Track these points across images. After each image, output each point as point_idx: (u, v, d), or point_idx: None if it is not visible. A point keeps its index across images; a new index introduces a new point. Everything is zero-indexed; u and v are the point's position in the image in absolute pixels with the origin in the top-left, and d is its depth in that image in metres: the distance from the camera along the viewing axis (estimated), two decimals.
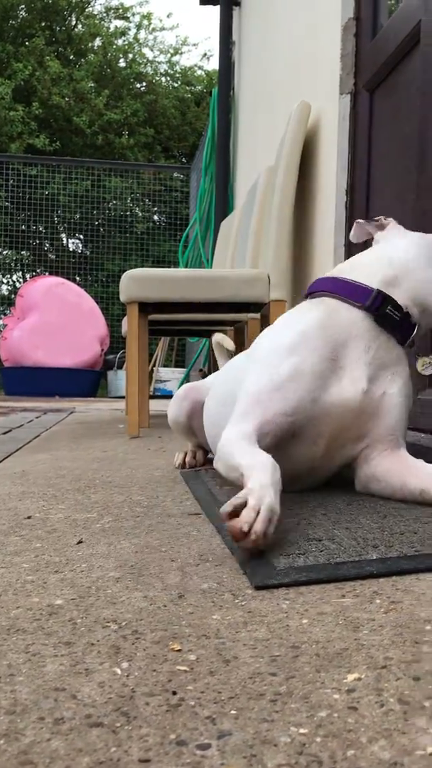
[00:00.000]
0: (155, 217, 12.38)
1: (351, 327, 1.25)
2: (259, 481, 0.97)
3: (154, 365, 7.88)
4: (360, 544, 0.94)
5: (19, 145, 12.06)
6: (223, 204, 5.03)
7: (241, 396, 1.25)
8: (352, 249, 2.47)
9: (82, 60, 13.95)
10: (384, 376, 1.25)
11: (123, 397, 7.48)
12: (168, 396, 6.87)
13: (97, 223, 12.04)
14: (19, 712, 0.54)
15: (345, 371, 1.23)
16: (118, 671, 0.61)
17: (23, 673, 0.61)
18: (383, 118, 2.28)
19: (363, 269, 1.32)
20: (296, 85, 3.24)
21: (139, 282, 2.63)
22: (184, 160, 14.40)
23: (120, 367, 8.19)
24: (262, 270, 2.74)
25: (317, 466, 1.30)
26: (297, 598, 0.78)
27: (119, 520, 1.22)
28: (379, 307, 1.25)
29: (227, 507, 0.91)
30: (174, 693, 0.57)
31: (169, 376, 7.82)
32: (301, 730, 0.50)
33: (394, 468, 1.24)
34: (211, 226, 5.32)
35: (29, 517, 1.27)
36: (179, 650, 0.65)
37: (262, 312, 2.92)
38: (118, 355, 8.36)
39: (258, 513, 0.90)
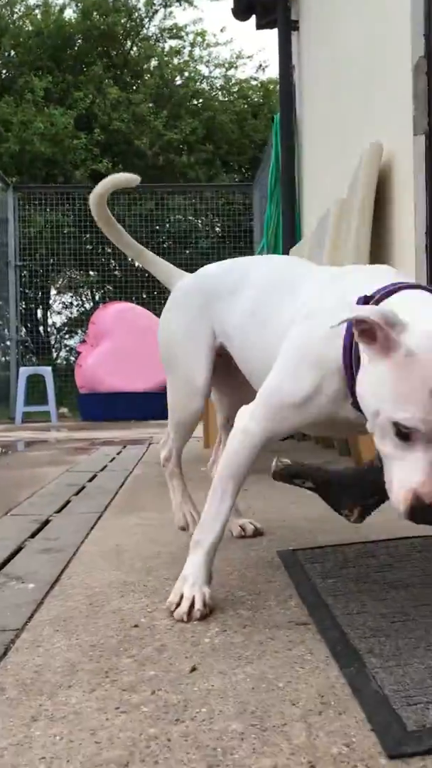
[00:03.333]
0: (217, 229, 12.46)
1: None
2: (193, 564, 1.35)
3: None
4: None
5: (83, 171, 12.33)
6: (291, 231, 5.00)
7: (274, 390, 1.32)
8: None
9: (139, 82, 14.17)
10: None
11: None
12: None
13: (161, 239, 12.20)
14: None
15: None
16: None
17: None
18: None
19: None
20: (366, 119, 3.19)
21: None
22: (244, 171, 14.43)
23: None
24: None
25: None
26: None
27: (228, 632, 1.20)
28: None
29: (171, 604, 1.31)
30: None
31: None
32: None
33: None
34: (279, 252, 5.30)
35: (136, 626, 1.27)
36: None
37: None
38: None
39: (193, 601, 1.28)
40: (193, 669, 1.07)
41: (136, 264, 13.54)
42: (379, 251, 2.95)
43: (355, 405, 1.19)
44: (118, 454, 4.48)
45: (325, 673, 1.01)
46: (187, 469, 2.43)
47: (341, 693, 0.95)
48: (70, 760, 0.82)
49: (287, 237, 4.99)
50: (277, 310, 1.42)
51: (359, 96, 3.35)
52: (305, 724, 0.87)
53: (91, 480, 3.25)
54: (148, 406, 8.11)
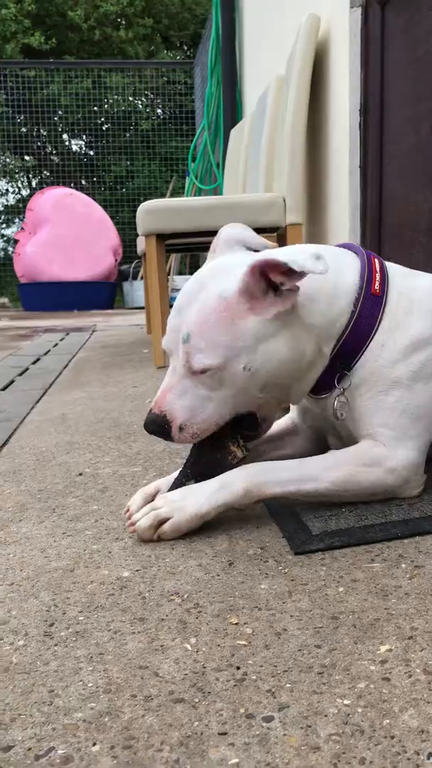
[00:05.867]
0: (159, 111, 12.01)
1: None
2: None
3: (168, 274, 7.89)
4: (386, 502, 1.05)
5: (14, 45, 11.59)
6: (232, 109, 4.90)
7: None
8: (367, 172, 2.47)
9: None
10: None
11: (141, 308, 7.55)
12: None
13: (100, 122, 11.71)
14: (114, 690, 0.66)
15: None
16: (188, 647, 0.73)
17: (110, 651, 0.73)
18: (396, 36, 2.22)
19: None
20: None
21: (155, 214, 2.66)
22: (186, 48, 13.78)
23: (135, 277, 8.21)
24: (277, 194, 2.74)
25: None
26: (332, 564, 0.90)
27: (164, 475, 1.33)
28: None
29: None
30: (238, 668, 0.69)
31: (183, 284, 7.84)
32: (345, 701, 0.62)
33: None
34: (220, 132, 5.20)
35: (81, 474, 1.39)
36: (236, 623, 0.77)
37: (279, 232, 2.94)
38: (133, 265, 8.36)
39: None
40: None
41: (74, 148, 13.05)
42: (315, 130, 2.96)
43: None
44: (61, 340, 4.53)
45: None
46: (129, 351, 2.49)
47: (260, 512, 1.10)
48: (23, 569, 0.95)
49: (228, 116, 4.90)
50: None
51: None
52: (228, 536, 1.02)
53: (35, 363, 3.31)
54: (91, 295, 8.08)
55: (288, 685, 0.65)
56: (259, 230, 2.81)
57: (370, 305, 1.08)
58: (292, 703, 0.63)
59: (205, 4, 12.30)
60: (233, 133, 4.32)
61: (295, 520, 1.02)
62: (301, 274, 0.97)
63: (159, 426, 1.05)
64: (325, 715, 0.61)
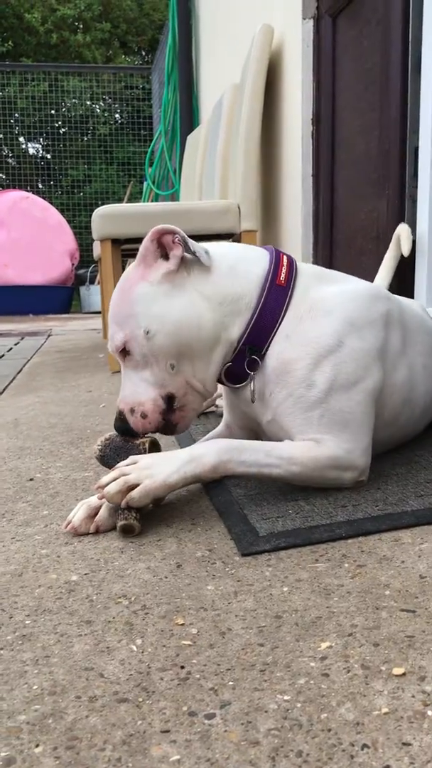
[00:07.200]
0: (117, 116, 11.98)
1: None
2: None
3: None
4: (331, 504, 1.07)
5: None
6: (189, 116, 4.93)
7: None
8: (319, 180, 2.52)
9: None
10: None
11: (98, 312, 7.51)
12: None
13: (57, 125, 11.63)
14: (59, 692, 0.67)
15: None
16: (134, 648, 0.74)
17: (56, 654, 0.74)
18: (346, 48, 2.27)
19: None
20: (259, 2, 3.15)
21: (110, 219, 2.66)
22: (143, 53, 13.77)
23: (92, 282, 8.17)
24: (232, 201, 2.77)
25: None
26: (278, 564, 0.92)
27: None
28: None
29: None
30: (182, 667, 0.70)
31: None
32: (285, 697, 0.64)
33: None
34: (177, 138, 5.23)
35: (32, 479, 1.39)
36: (182, 624, 0.78)
37: (234, 239, 2.96)
38: (90, 270, 8.32)
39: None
40: None
41: (31, 151, 12.93)
42: (269, 138, 3.00)
43: None
44: (15, 344, 4.48)
45: (198, 504, 1.17)
46: (84, 355, 2.45)
47: (209, 515, 1.11)
48: None
49: (185, 122, 4.93)
50: None
51: None
52: (177, 539, 1.03)
53: None
54: (48, 299, 8.00)
55: (230, 683, 0.67)
56: (215, 236, 2.84)
57: (275, 294, 1.13)
58: (233, 700, 0.64)
59: (163, 10, 12.34)
60: (189, 139, 4.34)
61: (243, 522, 1.03)
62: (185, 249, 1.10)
63: (120, 420, 1.16)
64: (266, 711, 0.62)
